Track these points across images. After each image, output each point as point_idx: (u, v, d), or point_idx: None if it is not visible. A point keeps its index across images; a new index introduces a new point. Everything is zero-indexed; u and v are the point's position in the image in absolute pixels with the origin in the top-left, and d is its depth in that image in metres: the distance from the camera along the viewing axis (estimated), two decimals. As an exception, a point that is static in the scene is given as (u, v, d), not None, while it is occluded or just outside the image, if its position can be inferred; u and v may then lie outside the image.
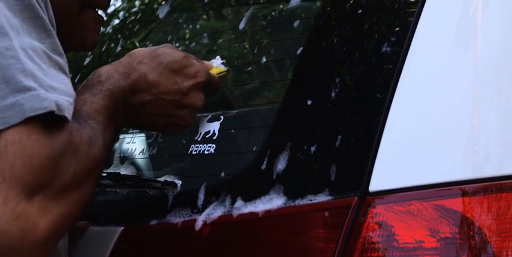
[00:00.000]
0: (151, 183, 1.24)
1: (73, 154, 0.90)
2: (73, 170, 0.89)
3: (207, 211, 1.14)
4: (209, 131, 1.24)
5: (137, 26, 1.63)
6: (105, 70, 1.09)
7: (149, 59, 1.14)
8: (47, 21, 0.94)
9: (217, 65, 1.26)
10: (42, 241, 0.85)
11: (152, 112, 1.14)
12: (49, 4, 0.98)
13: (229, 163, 1.19)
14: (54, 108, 0.86)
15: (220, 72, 1.25)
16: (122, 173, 1.28)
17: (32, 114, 0.84)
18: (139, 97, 1.11)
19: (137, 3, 1.70)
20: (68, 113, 0.88)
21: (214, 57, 1.28)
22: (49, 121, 0.87)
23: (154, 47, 1.19)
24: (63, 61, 0.95)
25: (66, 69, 0.96)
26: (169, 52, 1.16)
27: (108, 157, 1.06)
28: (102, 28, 1.72)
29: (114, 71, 1.09)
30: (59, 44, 0.96)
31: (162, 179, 1.23)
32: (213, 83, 1.20)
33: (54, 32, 0.95)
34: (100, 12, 1.22)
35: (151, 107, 1.13)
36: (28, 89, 0.86)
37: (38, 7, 0.93)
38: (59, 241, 0.97)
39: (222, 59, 1.27)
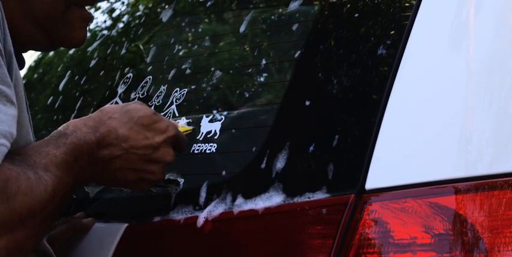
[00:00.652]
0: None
1: (5, 200, 0.87)
2: (3, 214, 0.88)
3: (208, 208, 1.13)
4: (210, 131, 1.24)
5: (141, 30, 1.62)
6: (73, 123, 1.06)
7: (120, 114, 1.10)
8: None
9: (182, 125, 1.26)
10: None
11: (121, 167, 1.09)
12: (6, 30, 0.95)
13: (230, 162, 1.19)
14: None
15: (186, 131, 1.24)
16: None
17: None
18: (108, 151, 1.07)
19: (141, 7, 1.70)
20: None
21: (180, 118, 1.28)
22: None
23: (125, 103, 1.15)
24: (10, 92, 0.91)
25: (14, 98, 0.92)
26: (140, 108, 1.12)
27: (61, 208, 1.02)
28: (107, 31, 1.72)
29: (82, 125, 1.06)
30: (7, 73, 0.92)
31: (165, 177, 1.23)
32: (182, 139, 1.16)
33: (2, 62, 0.92)
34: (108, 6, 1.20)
35: (121, 162, 1.09)
36: None
37: None
38: None
39: (188, 119, 1.27)
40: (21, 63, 1.16)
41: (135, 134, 1.09)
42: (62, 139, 1.02)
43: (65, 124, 1.06)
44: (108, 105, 1.15)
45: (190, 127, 1.25)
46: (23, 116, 1.04)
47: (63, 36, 1.13)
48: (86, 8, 1.16)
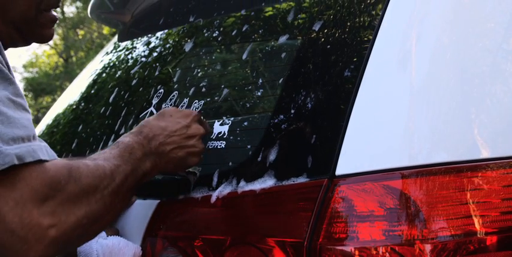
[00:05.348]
0: (178, 172, 1.23)
1: (73, 182, 0.84)
2: (75, 191, 0.84)
3: (219, 189, 1.13)
4: (221, 132, 1.23)
5: (170, 57, 1.62)
6: (121, 137, 1.05)
7: (153, 117, 1.11)
8: (6, 71, 0.87)
9: None
10: (50, 243, 0.79)
11: (171, 149, 1.07)
12: (3, 52, 0.91)
13: (235, 155, 1.18)
14: (15, 162, 0.78)
15: None
16: None
17: None
18: (155, 142, 1.05)
19: (170, 41, 1.69)
20: (32, 156, 0.80)
21: None
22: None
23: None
24: (24, 102, 0.88)
25: (27, 106, 0.89)
26: (166, 108, 1.14)
27: (129, 189, 0.97)
28: (145, 58, 1.72)
29: (128, 134, 1.05)
30: (19, 87, 0.88)
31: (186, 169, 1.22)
32: (204, 122, 1.17)
33: (14, 79, 0.88)
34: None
35: (169, 146, 1.07)
36: None
37: None
38: (70, 247, 0.89)
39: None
40: None
41: (169, 123, 1.10)
42: (114, 145, 1.01)
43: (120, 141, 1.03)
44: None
45: None
46: None
47: (36, 35, 1.07)
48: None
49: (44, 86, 16.93)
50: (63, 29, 17.04)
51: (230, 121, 1.24)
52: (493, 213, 0.95)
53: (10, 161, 0.78)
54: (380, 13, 1.10)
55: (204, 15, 1.58)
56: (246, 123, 1.23)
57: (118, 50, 1.95)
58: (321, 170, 1.00)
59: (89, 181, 0.87)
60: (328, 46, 1.16)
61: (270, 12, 1.40)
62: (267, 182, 1.06)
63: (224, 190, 1.12)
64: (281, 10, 1.36)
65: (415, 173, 0.95)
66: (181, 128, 1.10)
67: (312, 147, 1.04)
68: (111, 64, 1.93)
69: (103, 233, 1.23)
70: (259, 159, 1.10)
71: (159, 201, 1.24)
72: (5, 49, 1.10)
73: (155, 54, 1.70)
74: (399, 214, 0.92)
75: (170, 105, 1.42)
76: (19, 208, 0.78)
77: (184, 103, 1.38)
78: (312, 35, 1.21)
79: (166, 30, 1.73)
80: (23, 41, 1.07)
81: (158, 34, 1.76)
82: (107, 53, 2.03)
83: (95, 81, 1.95)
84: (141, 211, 1.27)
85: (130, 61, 1.80)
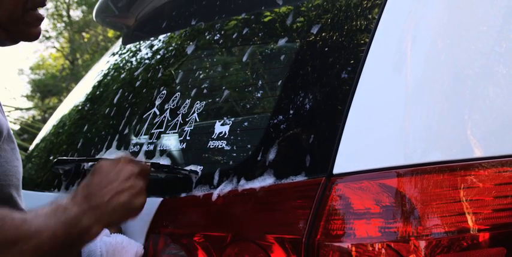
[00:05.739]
0: (180, 170, 1.23)
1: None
2: None
3: (220, 187, 1.13)
4: (222, 132, 1.23)
5: (172, 59, 1.62)
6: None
7: (86, 178, 1.03)
8: None
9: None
10: None
11: (109, 197, 0.98)
12: None
13: (236, 154, 1.18)
14: None
15: None
16: (160, 163, 1.27)
17: None
18: (93, 196, 0.97)
19: (173, 43, 1.69)
20: None
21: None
22: None
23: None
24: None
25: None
26: (95, 166, 1.05)
27: (65, 247, 0.90)
28: (148, 61, 1.72)
29: (65, 195, 0.98)
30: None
31: (188, 168, 1.22)
32: (136, 161, 1.08)
33: None
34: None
35: (106, 195, 0.98)
36: None
37: None
38: None
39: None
40: None
41: (101, 175, 1.01)
42: (50, 204, 0.94)
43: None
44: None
45: None
46: None
47: (23, 34, 1.05)
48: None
49: (51, 88, 16.92)
50: (69, 33, 17.02)
51: (231, 121, 1.24)
52: (486, 210, 0.95)
53: None
54: (376, 17, 1.10)
55: (206, 19, 1.58)
56: (246, 123, 1.23)
57: (122, 52, 1.95)
58: (318, 169, 1.00)
59: (8, 234, 0.84)
60: (326, 49, 1.16)
61: (270, 16, 1.40)
62: (266, 181, 1.06)
63: (225, 188, 1.12)
64: (280, 14, 1.36)
65: (410, 171, 0.95)
66: (114, 175, 1.02)
67: (310, 146, 1.04)
68: (116, 66, 1.93)
69: (107, 231, 1.23)
70: (259, 158, 1.10)
71: (162, 199, 1.24)
72: None
73: (158, 56, 1.70)
74: (395, 212, 0.92)
75: (172, 106, 1.42)
76: None
77: (186, 104, 1.38)
78: (310, 38, 1.21)
79: (168, 34, 1.73)
80: (11, 40, 1.05)
81: (161, 37, 1.76)
82: (112, 56, 2.03)
83: (99, 83, 1.95)
84: (144, 209, 1.26)
85: (134, 63, 1.80)
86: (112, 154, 1.50)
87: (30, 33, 1.05)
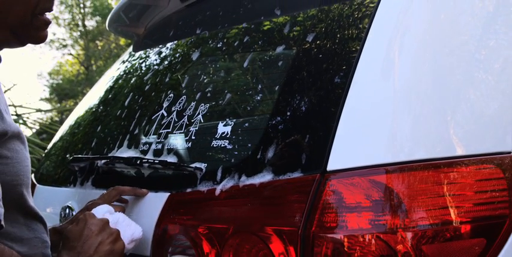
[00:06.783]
0: (186, 167, 1.23)
1: None
2: None
3: (223, 183, 1.13)
4: (224, 132, 1.23)
5: (179, 65, 1.62)
6: None
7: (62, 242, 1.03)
8: None
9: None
10: None
11: (96, 250, 1.00)
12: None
13: (237, 152, 1.18)
14: None
15: None
16: (168, 160, 1.27)
17: None
18: (80, 255, 0.98)
19: (179, 50, 1.69)
20: None
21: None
22: None
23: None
24: None
25: None
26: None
27: None
28: (157, 66, 1.72)
29: None
30: None
31: (193, 165, 1.22)
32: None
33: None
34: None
35: (91, 250, 1.00)
36: None
37: None
38: None
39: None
40: None
41: (75, 236, 1.02)
42: None
43: None
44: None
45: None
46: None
47: (31, 37, 1.03)
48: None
49: (67, 91, 16.93)
50: (84, 41, 17.04)
51: (233, 122, 1.24)
52: (467, 204, 0.95)
53: None
54: (366, 26, 1.10)
55: (209, 28, 1.58)
56: (246, 124, 1.23)
57: (133, 59, 1.96)
58: (313, 166, 1.00)
59: None
60: (320, 55, 1.16)
61: (268, 25, 1.40)
62: (265, 177, 1.06)
63: (227, 183, 1.12)
64: (278, 23, 1.36)
65: (398, 168, 0.95)
66: (87, 231, 1.03)
67: (305, 145, 1.04)
68: (127, 71, 1.93)
69: (111, 208, 1.21)
70: (258, 156, 1.10)
71: (169, 193, 1.24)
72: (0, 49, 1.08)
73: (166, 62, 1.70)
74: (383, 205, 0.92)
75: (179, 108, 1.42)
76: None
77: (192, 106, 1.38)
78: (306, 46, 1.21)
79: (175, 42, 1.73)
80: (19, 42, 1.05)
81: (168, 45, 1.76)
82: (123, 62, 2.03)
83: (112, 87, 1.95)
84: (153, 203, 1.27)
85: (144, 69, 1.80)
86: (123, 152, 1.50)
87: (38, 36, 1.04)
